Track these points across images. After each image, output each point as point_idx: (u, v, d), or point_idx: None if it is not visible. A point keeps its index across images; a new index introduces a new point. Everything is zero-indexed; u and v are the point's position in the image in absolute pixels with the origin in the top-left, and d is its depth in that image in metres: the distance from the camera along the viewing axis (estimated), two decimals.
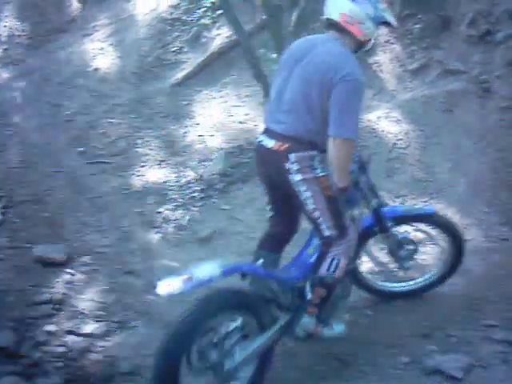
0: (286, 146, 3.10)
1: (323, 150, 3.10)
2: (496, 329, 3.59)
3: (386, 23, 3.27)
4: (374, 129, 6.37)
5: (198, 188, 6.44)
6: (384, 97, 6.77)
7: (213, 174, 6.52)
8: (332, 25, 3.17)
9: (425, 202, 5.52)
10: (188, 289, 2.86)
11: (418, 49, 7.03)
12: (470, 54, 6.74)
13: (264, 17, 7.52)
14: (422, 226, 3.98)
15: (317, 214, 3.17)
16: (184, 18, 8.85)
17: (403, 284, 4.17)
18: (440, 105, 6.37)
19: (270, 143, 3.18)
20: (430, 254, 4.58)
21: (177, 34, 8.75)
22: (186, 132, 7.26)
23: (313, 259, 3.37)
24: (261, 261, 3.39)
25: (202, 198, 6.33)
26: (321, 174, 3.12)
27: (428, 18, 7.23)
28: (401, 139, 6.22)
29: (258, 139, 3.32)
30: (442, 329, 3.74)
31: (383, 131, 6.35)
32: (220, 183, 6.43)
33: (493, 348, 3.41)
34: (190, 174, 6.61)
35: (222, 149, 6.81)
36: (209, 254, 5.65)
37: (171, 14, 8.99)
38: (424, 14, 7.27)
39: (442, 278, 4.11)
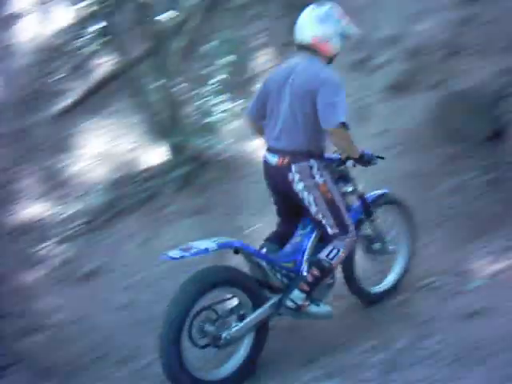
0: (287, 160, 3.58)
1: (319, 157, 3.64)
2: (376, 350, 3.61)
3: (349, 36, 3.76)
4: (257, 156, 6.38)
5: (82, 221, 6.30)
6: None
7: (97, 206, 6.40)
8: (304, 47, 3.64)
9: None
10: (188, 256, 3.30)
11: None
12: (349, 79, 6.91)
13: (150, 44, 7.47)
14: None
15: (320, 215, 3.64)
16: (67, 46, 8.66)
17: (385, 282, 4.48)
18: None
19: (273, 160, 3.66)
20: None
21: (59, 62, 8.57)
22: (69, 163, 7.11)
23: (303, 244, 3.81)
24: (264, 249, 3.86)
25: (86, 232, 6.22)
26: (320, 181, 3.60)
27: None
28: None
29: (264, 157, 3.79)
30: (326, 354, 3.75)
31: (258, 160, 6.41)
32: (105, 215, 6.32)
33: (371, 371, 3.42)
34: (74, 207, 6.46)
35: (106, 179, 6.69)
36: (95, 290, 5.56)
37: (53, 42, 8.80)
38: None
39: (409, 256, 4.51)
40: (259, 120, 3.89)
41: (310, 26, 3.59)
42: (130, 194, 6.44)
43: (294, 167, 3.57)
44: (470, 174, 5.45)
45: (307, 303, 3.69)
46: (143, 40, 7.43)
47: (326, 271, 3.67)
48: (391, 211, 4.43)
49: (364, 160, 3.79)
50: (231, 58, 6.97)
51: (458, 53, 6.67)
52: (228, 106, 6.74)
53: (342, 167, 3.94)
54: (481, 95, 5.64)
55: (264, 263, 3.66)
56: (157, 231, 6.10)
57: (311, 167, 3.59)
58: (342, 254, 3.68)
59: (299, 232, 3.89)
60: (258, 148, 6.53)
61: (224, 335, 3.43)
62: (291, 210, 3.89)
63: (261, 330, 3.65)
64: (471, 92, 5.99)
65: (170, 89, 6.62)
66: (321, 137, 3.63)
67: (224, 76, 6.92)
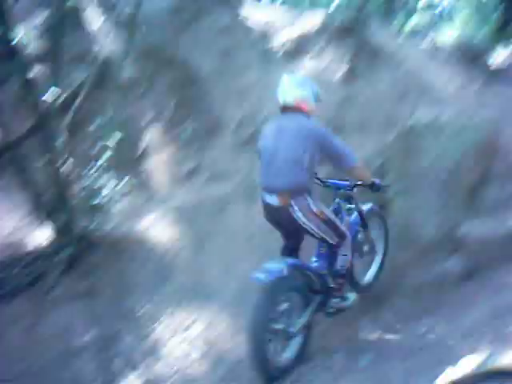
0: (287, 198, 4.27)
1: (310, 191, 4.36)
2: None
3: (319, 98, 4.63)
4: (145, 235, 6.41)
5: None
6: (156, 201, 6.86)
7: None
8: (288, 107, 4.46)
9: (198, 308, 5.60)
10: (273, 278, 4.22)
11: (188, 153, 7.29)
12: (237, 157, 7.14)
13: (34, 122, 7.34)
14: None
15: (320, 233, 4.44)
16: None
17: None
18: (210, 208, 6.57)
19: (274, 200, 4.36)
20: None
21: None
22: None
23: (325, 256, 4.72)
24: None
25: None
26: (314, 209, 4.32)
27: (198, 122, 7.60)
28: (173, 245, 6.30)
29: (262, 198, 4.51)
30: None
31: (155, 237, 6.40)
32: None
33: None
34: None
35: None
36: None
37: None
38: (194, 119, 7.63)
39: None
40: None
41: (291, 90, 4.45)
42: (14, 276, 6.18)
43: (295, 205, 4.27)
44: None
45: (343, 303, 4.79)
46: (28, 117, 7.31)
47: (345, 275, 4.72)
48: (376, 221, 5.45)
49: (374, 187, 4.75)
50: (118, 136, 6.98)
51: (340, 130, 7.07)
52: (116, 184, 6.72)
53: (349, 191, 4.92)
54: None
55: (311, 272, 4.59)
56: (42, 316, 5.88)
57: (306, 199, 4.31)
58: (349, 256, 4.69)
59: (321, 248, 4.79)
60: (147, 227, 6.54)
61: (291, 330, 4.41)
62: (293, 233, 4.61)
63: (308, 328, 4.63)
64: None
65: (56, 167, 6.50)
66: (311, 175, 4.42)
67: (111, 154, 6.91)
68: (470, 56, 8.52)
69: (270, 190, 4.38)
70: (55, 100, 6.87)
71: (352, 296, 4.91)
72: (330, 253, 4.68)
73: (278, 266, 4.31)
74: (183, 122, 7.63)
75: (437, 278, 5.51)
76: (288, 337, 4.44)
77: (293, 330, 4.42)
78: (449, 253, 5.66)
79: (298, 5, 13.71)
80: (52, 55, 7.35)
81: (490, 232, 5.59)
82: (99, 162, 6.74)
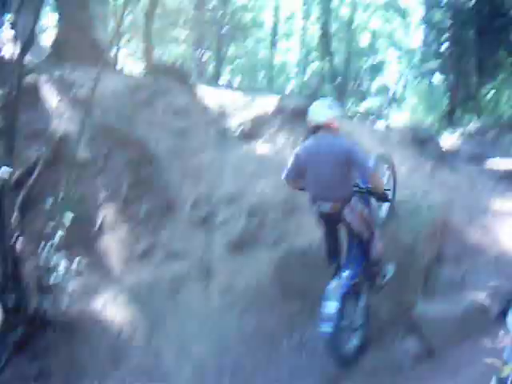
0: (338, 206, 5.37)
1: (352, 196, 5.41)
2: None
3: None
4: (99, 315, 6.28)
5: None
6: (111, 281, 6.77)
7: None
8: (319, 126, 5.42)
9: None
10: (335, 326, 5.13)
11: (144, 231, 7.30)
12: (192, 236, 7.18)
13: None
14: None
15: (360, 230, 5.45)
16: None
17: None
18: (165, 288, 6.54)
19: (328, 208, 5.42)
20: None
21: None
22: None
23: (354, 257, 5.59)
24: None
25: None
26: (356, 210, 5.40)
27: (153, 200, 7.64)
28: (127, 325, 6.19)
29: (317, 205, 5.50)
30: None
31: (109, 317, 6.29)
32: None
33: None
34: None
35: None
36: None
37: None
38: (149, 197, 7.67)
39: None
40: (296, 179, 5.65)
41: (323, 110, 5.48)
42: None
43: (344, 210, 5.35)
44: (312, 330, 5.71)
45: (385, 279, 5.82)
46: None
47: (381, 259, 5.67)
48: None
49: (382, 197, 5.50)
50: (70, 214, 6.91)
51: (292, 212, 7.21)
52: (69, 263, 6.61)
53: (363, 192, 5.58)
54: (318, 252, 6.06)
55: (353, 283, 5.45)
56: None
57: (349, 204, 5.36)
58: (380, 245, 5.60)
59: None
60: (101, 306, 6.43)
61: (354, 325, 5.52)
62: (335, 234, 5.67)
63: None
64: (309, 249, 6.45)
65: (8, 245, 6.38)
66: (352, 183, 5.46)
67: (64, 233, 6.82)
68: (421, 139, 8.93)
69: (324, 200, 5.42)
70: (9, 177, 6.82)
71: (391, 268, 5.89)
72: (363, 247, 5.55)
73: (332, 311, 5.12)
74: (139, 201, 7.66)
75: (392, 361, 5.50)
76: (353, 329, 5.50)
77: (355, 324, 5.51)
78: (405, 334, 5.70)
79: (253, 89, 14.15)
80: (7, 132, 7.34)
81: (445, 312, 5.69)
82: (53, 241, 6.63)
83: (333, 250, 5.69)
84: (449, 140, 10.37)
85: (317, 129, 5.45)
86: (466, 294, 5.92)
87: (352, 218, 5.38)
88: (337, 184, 5.35)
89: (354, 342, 5.49)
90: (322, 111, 5.48)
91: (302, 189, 5.73)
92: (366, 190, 5.52)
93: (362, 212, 5.42)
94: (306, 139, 5.78)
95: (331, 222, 5.56)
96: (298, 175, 5.58)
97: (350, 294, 5.38)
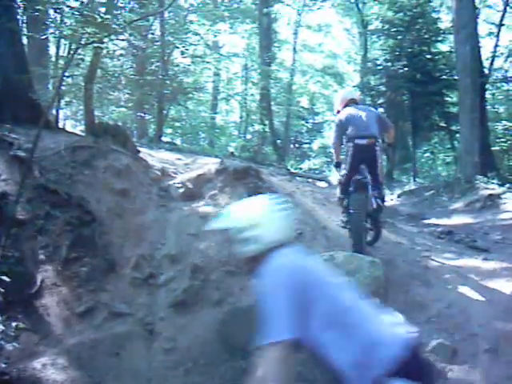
0: (373, 140, 7.87)
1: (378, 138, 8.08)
2: None
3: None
4: (38, 378, 6.21)
5: None
6: (51, 342, 6.70)
7: None
8: (354, 100, 8.51)
9: None
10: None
11: (85, 291, 7.29)
12: (135, 296, 7.24)
13: None
14: None
15: (380, 162, 8.03)
16: None
17: None
18: (107, 348, 6.54)
19: (364, 142, 7.85)
20: None
21: None
22: None
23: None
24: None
25: None
26: (380, 150, 8.01)
27: (94, 260, 7.68)
28: None
29: (355, 142, 7.88)
30: None
31: (48, 380, 6.22)
32: None
33: None
34: None
35: None
36: None
37: None
38: (91, 257, 7.71)
39: None
40: (340, 143, 8.24)
41: (353, 91, 10.36)
42: None
43: (377, 143, 7.88)
44: None
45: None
46: None
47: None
48: None
49: (392, 145, 9.29)
50: (6, 278, 6.86)
51: (236, 271, 7.37)
52: (6, 324, 6.55)
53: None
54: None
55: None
56: None
57: (380, 143, 8.04)
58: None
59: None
60: (40, 369, 6.36)
61: (368, 226, 8.29)
62: (369, 162, 7.97)
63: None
64: (253, 308, 6.58)
65: None
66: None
67: (1, 294, 6.77)
68: None
69: (362, 137, 7.84)
70: None
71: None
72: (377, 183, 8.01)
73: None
74: (79, 261, 7.66)
75: None
76: (368, 229, 8.29)
77: (369, 226, 8.25)
78: None
79: (194, 150, 14.44)
80: None
81: None
82: None
83: (357, 172, 7.93)
84: (387, 200, 10.82)
85: (350, 102, 8.37)
86: None
87: (378, 153, 7.86)
88: (372, 128, 7.88)
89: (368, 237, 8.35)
90: (352, 91, 10.16)
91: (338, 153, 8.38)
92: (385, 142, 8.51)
93: (381, 155, 8.09)
94: (341, 110, 8.35)
95: (364, 152, 7.83)
96: (341, 138, 8.16)
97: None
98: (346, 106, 8.31)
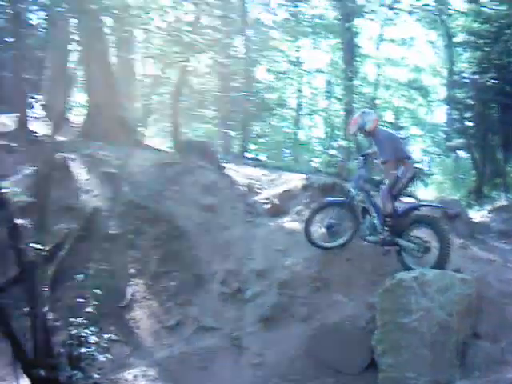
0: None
1: None
2: None
3: None
4: None
5: None
6: (141, 354, 6.95)
7: None
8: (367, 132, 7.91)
9: None
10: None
11: (173, 305, 7.53)
12: (222, 310, 7.40)
13: (19, 271, 7.54)
14: None
15: None
16: None
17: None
18: (196, 361, 6.71)
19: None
20: None
21: None
22: None
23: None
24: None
25: None
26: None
27: (183, 275, 7.92)
28: None
29: (411, 163, 7.85)
30: None
31: None
32: None
33: None
34: None
35: None
36: None
37: None
38: (179, 272, 7.96)
39: None
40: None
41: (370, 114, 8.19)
42: None
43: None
44: None
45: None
46: (13, 266, 7.52)
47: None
48: None
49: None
50: (99, 291, 7.15)
51: (323, 287, 7.41)
52: (99, 335, 6.82)
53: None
54: (351, 328, 6.23)
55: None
56: None
57: None
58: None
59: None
60: (131, 380, 6.59)
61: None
62: None
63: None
64: (342, 325, 6.62)
65: (39, 318, 6.62)
66: None
67: (95, 305, 7.06)
68: (450, 215, 9.13)
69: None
70: (40, 250, 7.14)
71: None
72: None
73: None
74: (168, 276, 7.93)
75: None
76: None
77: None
78: None
79: (278, 166, 14.56)
80: (39, 207, 7.75)
81: None
82: (83, 313, 6.87)
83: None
84: (477, 216, 10.59)
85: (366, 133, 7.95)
86: (506, 371, 5.91)
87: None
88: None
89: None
90: (370, 116, 7.92)
91: None
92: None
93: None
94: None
95: None
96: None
97: None
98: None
